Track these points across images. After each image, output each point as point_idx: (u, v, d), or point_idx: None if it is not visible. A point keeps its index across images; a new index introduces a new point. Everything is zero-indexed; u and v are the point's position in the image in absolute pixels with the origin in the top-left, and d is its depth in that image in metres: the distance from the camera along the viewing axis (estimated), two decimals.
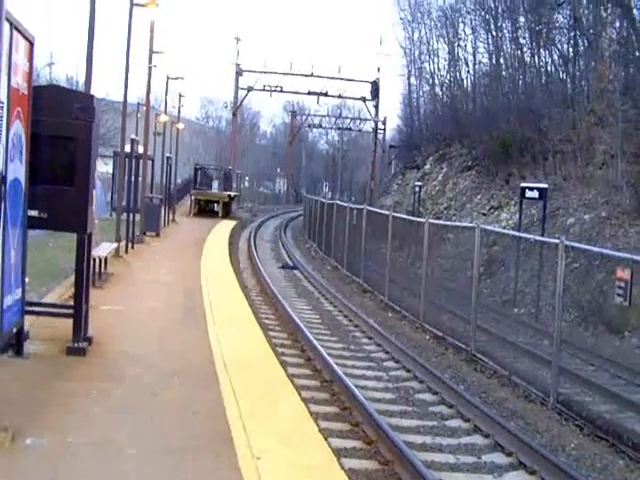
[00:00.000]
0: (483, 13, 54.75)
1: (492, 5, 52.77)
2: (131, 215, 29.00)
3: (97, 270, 19.21)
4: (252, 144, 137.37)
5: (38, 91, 10.63)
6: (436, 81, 66.07)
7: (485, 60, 56.58)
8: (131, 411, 9.21)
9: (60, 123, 11.06)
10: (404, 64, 74.73)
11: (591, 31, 41.73)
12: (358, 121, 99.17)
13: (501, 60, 52.07)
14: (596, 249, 20.57)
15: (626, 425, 13.96)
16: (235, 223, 53.81)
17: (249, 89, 79.40)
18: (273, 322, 21.56)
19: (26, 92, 9.68)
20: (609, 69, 37.81)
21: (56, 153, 11.34)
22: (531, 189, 30.56)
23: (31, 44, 9.77)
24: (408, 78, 73.57)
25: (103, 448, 7.86)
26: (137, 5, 28.29)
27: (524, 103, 45.05)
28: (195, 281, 21.87)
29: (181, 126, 61.93)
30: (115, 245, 24.21)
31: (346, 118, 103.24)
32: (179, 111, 60.58)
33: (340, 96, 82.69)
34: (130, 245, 28.60)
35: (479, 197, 45.63)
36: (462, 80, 60.37)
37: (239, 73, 78.70)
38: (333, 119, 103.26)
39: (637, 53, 37.21)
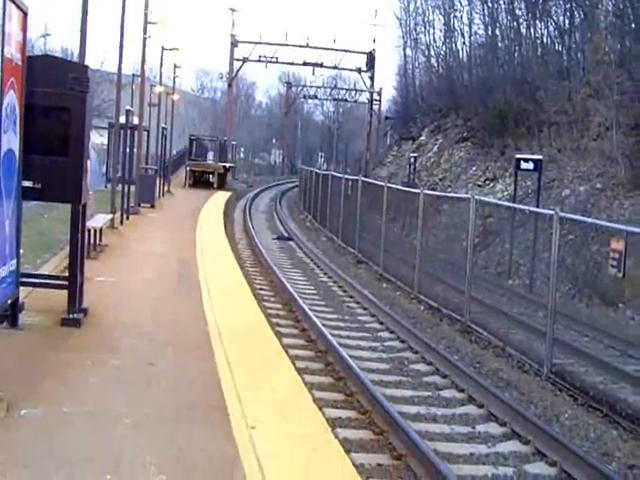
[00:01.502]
0: None
1: None
2: (126, 186, 28.95)
3: (92, 241, 19.20)
4: (247, 115, 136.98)
5: (32, 61, 10.58)
6: (432, 52, 66.01)
7: (481, 31, 56.49)
8: (126, 381, 9.24)
9: (54, 94, 11.04)
10: (400, 35, 74.65)
11: (587, 2, 41.60)
12: (354, 92, 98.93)
13: (497, 31, 51.91)
14: (590, 220, 20.61)
15: (619, 395, 14.03)
16: (230, 194, 53.70)
17: (244, 60, 79.17)
18: (268, 293, 21.59)
19: (20, 62, 9.64)
20: (605, 41, 37.70)
21: (50, 124, 11.32)
22: (526, 160, 30.58)
23: (25, 14, 9.71)
24: (404, 49, 73.52)
25: (99, 418, 7.89)
26: None
27: (520, 75, 45.01)
28: (190, 252, 21.87)
29: (176, 97, 61.56)
30: (110, 216, 24.20)
31: (341, 89, 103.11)
32: (174, 82, 60.14)
33: (335, 67, 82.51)
34: (125, 216, 28.56)
35: (474, 168, 45.62)
36: (458, 51, 60.28)
37: (234, 44, 78.43)
38: (328, 90, 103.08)
39: (633, 25, 37.13)
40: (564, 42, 45.29)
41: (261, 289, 21.86)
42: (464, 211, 23.13)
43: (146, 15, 35.39)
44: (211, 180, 60.21)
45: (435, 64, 64.96)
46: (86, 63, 18.31)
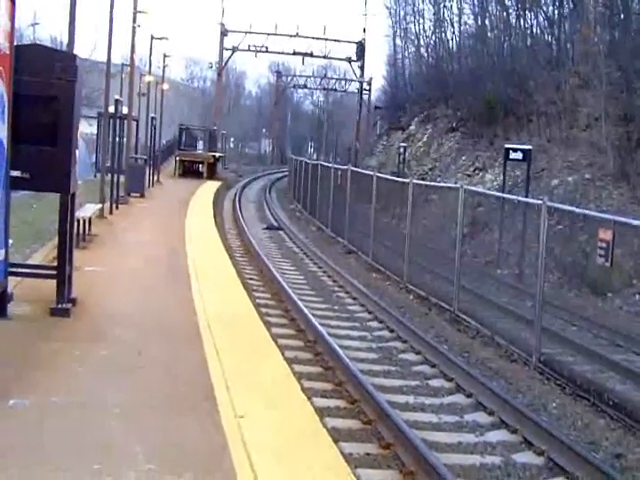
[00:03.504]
0: None
1: None
2: (115, 176, 28.92)
3: (81, 231, 19.18)
4: (237, 105, 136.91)
5: (20, 50, 10.57)
6: (421, 42, 65.89)
7: (471, 21, 56.44)
8: (115, 371, 9.25)
9: (42, 82, 11.00)
10: (389, 25, 74.62)
11: None
12: (343, 82, 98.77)
13: (487, 21, 51.90)
14: (578, 210, 20.63)
15: (607, 385, 14.08)
16: (220, 184, 53.71)
17: (234, 49, 78.94)
18: (257, 283, 21.57)
19: (8, 51, 9.63)
20: (594, 31, 37.74)
21: (39, 113, 11.26)
22: (515, 150, 30.54)
23: (13, 2, 9.71)
24: (393, 39, 73.42)
25: (88, 408, 7.90)
26: None
27: (509, 65, 45.02)
28: (179, 242, 21.88)
29: (166, 87, 61.57)
30: (99, 206, 24.17)
31: (331, 79, 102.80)
32: (164, 71, 60.18)
33: (325, 57, 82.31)
34: (114, 206, 28.55)
35: (464, 158, 45.64)
36: (447, 41, 60.20)
37: (224, 33, 78.22)
38: (318, 80, 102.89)
39: (622, 16, 37.13)
40: (553, 32, 45.32)
41: (250, 279, 21.85)
42: (453, 201, 23.15)
43: (135, 4, 35.31)
44: (201, 170, 60.25)
45: (425, 54, 64.90)
46: (75, 52, 18.29)
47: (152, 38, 48.78)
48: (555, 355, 15.97)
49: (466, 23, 57.50)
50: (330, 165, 41.44)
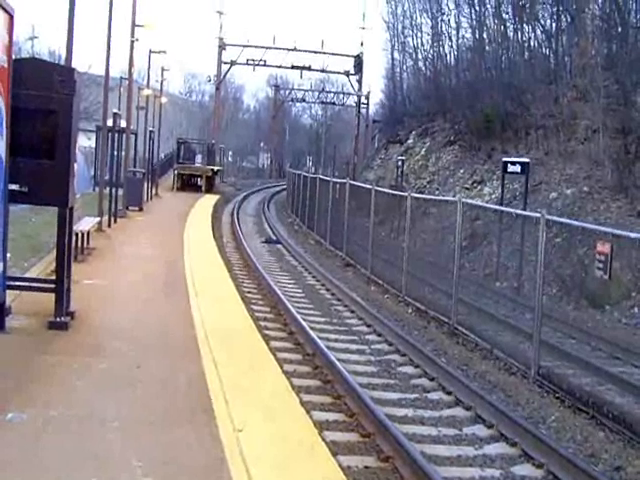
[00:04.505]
0: None
1: None
2: (114, 190, 28.93)
3: (79, 244, 19.18)
4: (235, 118, 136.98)
5: (19, 64, 10.58)
6: (419, 56, 65.86)
7: (468, 35, 56.44)
8: (114, 384, 9.24)
9: (41, 96, 11.00)
10: (387, 38, 74.61)
11: (574, 6, 41.68)
12: (341, 95, 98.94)
13: (484, 35, 51.92)
14: (576, 223, 20.61)
15: (606, 397, 14.06)
16: (218, 197, 53.74)
17: (232, 63, 79.03)
18: (256, 296, 21.56)
19: (6, 65, 9.64)
20: (591, 45, 37.78)
21: (37, 127, 11.26)
22: (513, 164, 30.56)
23: (11, 17, 9.72)
24: (391, 52, 73.38)
25: (86, 422, 7.88)
26: None
27: (507, 78, 45.03)
28: (178, 255, 21.87)
29: (164, 100, 61.63)
30: (97, 219, 24.17)
31: (329, 92, 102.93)
32: (162, 85, 60.32)
33: (323, 70, 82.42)
34: (113, 219, 28.56)
35: (462, 172, 45.64)
36: (445, 55, 60.18)
37: (222, 47, 78.34)
38: (316, 93, 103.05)
39: (619, 29, 37.18)
40: (551, 46, 45.36)
41: (249, 292, 21.84)
42: (451, 214, 23.15)
43: (134, 18, 35.37)
44: (199, 183, 60.33)
45: (422, 67, 64.89)
46: (73, 66, 18.29)
47: (150, 52, 48.83)
48: (554, 368, 15.95)
49: (464, 37, 57.58)
50: (328, 179, 41.45)
